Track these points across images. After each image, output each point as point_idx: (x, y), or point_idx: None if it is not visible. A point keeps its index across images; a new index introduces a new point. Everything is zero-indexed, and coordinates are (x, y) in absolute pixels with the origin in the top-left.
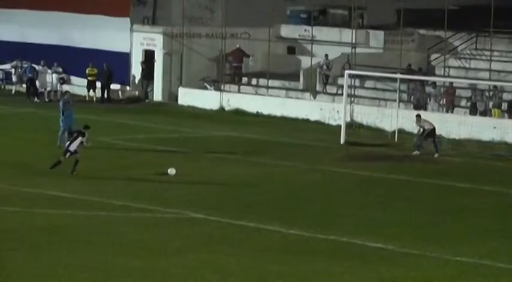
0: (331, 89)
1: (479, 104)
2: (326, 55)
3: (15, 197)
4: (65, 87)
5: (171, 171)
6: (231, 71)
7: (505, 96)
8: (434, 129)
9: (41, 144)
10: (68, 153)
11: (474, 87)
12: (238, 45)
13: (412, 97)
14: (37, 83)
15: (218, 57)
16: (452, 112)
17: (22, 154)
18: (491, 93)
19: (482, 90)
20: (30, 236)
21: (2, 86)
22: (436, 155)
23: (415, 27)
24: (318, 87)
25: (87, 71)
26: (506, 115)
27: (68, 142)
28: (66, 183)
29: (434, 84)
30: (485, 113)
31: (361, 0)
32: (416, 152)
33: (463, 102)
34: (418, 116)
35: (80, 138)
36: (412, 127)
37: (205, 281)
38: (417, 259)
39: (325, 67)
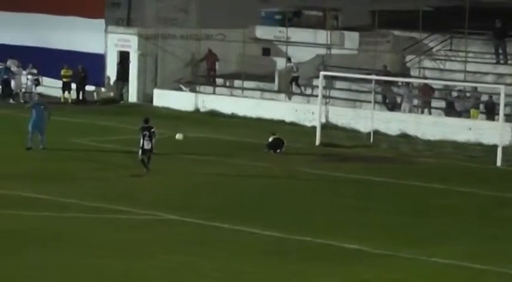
0: (306, 90)
1: (458, 105)
2: (289, 58)
3: None
4: (40, 89)
5: (179, 136)
6: (206, 72)
7: (481, 97)
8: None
9: (14, 146)
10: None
11: (451, 88)
12: (210, 49)
13: (386, 99)
14: (12, 84)
15: (193, 58)
16: (430, 113)
17: None
18: (468, 94)
19: (461, 90)
20: (4, 238)
21: None
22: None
23: (389, 29)
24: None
25: (62, 73)
26: (483, 116)
27: (145, 142)
28: (41, 185)
29: (407, 85)
30: (462, 113)
31: (336, 1)
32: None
33: (438, 103)
34: (273, 134)
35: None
36: (387, 128)
37: None
38: (393, 260)
39: (295, 69)
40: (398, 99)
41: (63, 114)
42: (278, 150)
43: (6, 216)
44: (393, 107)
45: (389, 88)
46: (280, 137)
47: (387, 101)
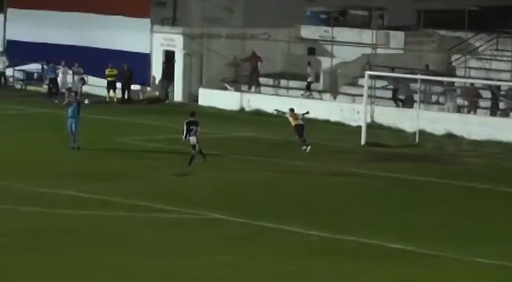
0: (351, 89)
1: (505, 102)
2: (308, 62)
3: (35, 198)
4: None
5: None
6: (249, 73)
7: None
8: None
9: (59, 145)
10: (197, 145)
11: (497, 87)
12: (254, 51)
13: (395, 95)
14: (59, 83)
15: (235, 59)
16: (475, 113)
17: (41, 155)
18: None
19: (511, 89)
20: (50, 236)
21: (24, 87)
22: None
23: (435, 28)
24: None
25: (106, 72)
26: None
27: (192, 136)
28: (86, 184)
29: (451, 84)
30: (507, 112)
31: (382, 1)
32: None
33: (483, 103)
34: (291, 110)
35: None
36: (433, 128)
37: None
38: (438, 260)
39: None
40: (415, 97)
41: (108, 113)
42: (306, 148)
43: (52, 215)
44: (399, 103)
45: (402, 84)
46: (300, 120)
47: (398, 96)
